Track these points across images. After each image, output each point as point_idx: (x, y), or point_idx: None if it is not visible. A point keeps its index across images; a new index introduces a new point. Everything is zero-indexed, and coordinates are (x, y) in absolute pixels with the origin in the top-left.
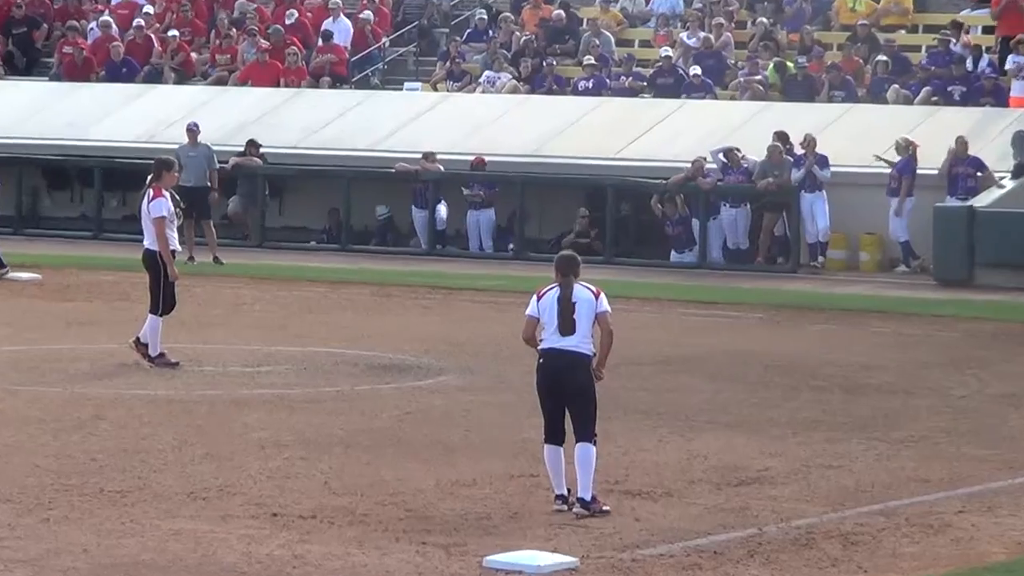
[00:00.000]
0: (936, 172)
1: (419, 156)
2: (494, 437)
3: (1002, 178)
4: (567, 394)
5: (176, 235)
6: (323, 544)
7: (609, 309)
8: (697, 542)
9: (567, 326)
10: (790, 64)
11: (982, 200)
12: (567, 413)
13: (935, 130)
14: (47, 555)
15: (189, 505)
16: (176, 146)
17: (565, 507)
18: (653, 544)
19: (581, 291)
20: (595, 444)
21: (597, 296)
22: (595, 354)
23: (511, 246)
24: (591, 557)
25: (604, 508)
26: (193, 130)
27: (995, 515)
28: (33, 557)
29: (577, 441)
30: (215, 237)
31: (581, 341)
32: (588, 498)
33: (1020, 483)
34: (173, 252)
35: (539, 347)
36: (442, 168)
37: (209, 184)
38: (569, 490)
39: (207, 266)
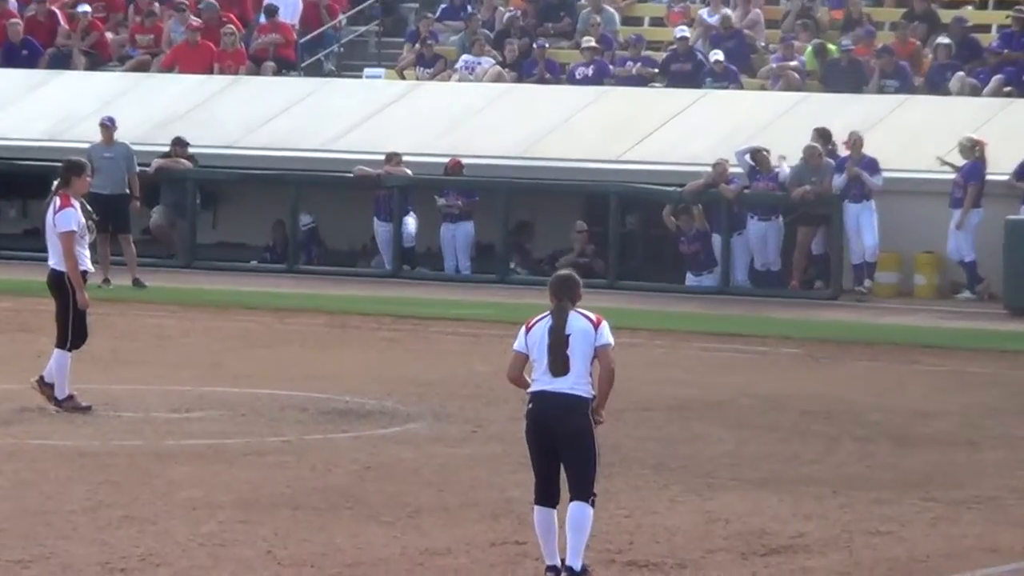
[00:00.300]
0: (1007, 178)
1: (382, 158)
2: (472, 497)
3: None
4: (561, 445)
5: (88, 253)
6: None
7: (611, 342)
8: None
9: (559, 365)
10: (832, 47)
11: None
12: (562, 468)
13: (1009, 127)
14: None
15: None
16: (88, 145)
17: None
18: None
19: (577, 320)
20: (593, 505)
21: (597, 326)
22: (594, 396)
23: (513, 264)
24: None
25: None
26: (108, 126)
27: None
28: None
29: (571, 500)
30: (135, 255)
31: (577, 382)
32: (578, 568)
33: None
34: (84, 273)
35: (528, 390)
36: (410, 172)
37: (128, 191)
38: (562, 560)
39: (126, 290)
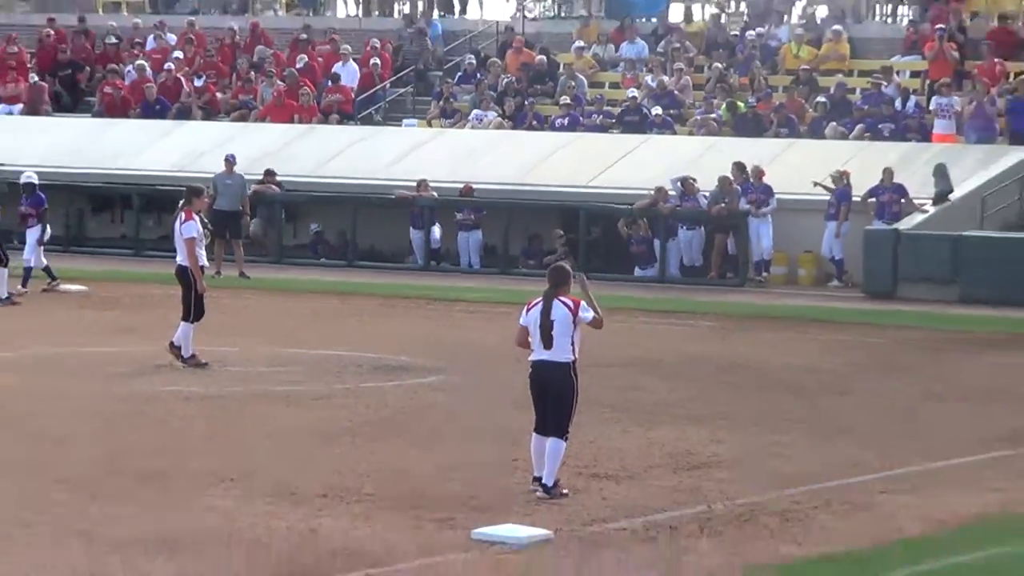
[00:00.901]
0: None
1: (416, 184)
2: (481, 427)
3: (923, 204)
4: (549, 396)
5: (204, 252)
6: (333, 519)
7: (588, 316)
8: (654, 518)
9: (547, 342)
10: (741, 104)
11: (906, 223)
12: (551, 411)
13: (866, 163)
14: (96, 528)
15: (218, 486)
16: (209, 175)
17: (539, 489)
18: (616, 519)
19: (559, 309)
20: (565, 440)
21: (575, 312)
22: (575, 360)
23: (531, 260)
24: (563, 530)
25: (563, 492)
26: (230, 161)
27: (915, 496)
28: (85, 529)
29: (549, 435)
30: (243, 255)
31: (558, 352)
32: (550, 484)
33: (937, 467)
34: (202, 268)
35: (529, 358)
36: (436, 195)
37: (241, 208)
38: (538, 478)
39: (233, 280)
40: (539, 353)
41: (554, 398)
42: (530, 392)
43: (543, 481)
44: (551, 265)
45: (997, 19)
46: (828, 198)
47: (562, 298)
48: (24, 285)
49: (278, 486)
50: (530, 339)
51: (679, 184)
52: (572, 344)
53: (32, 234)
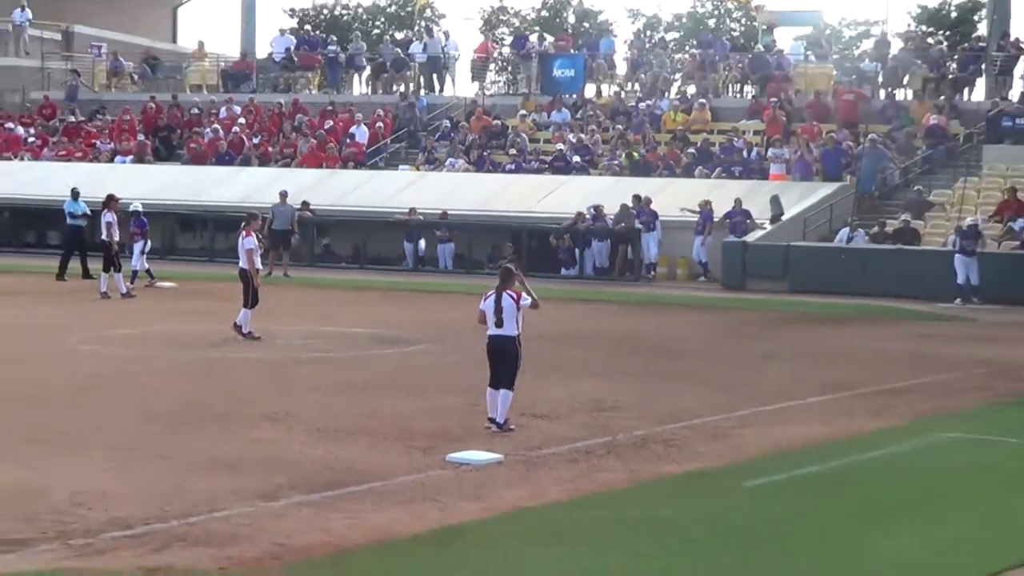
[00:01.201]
0: (718, 220)
1: (408, 210)
2: (452, 381)
3: (763, 223)
4: (499, 360)
5: (259, 259)
6: (349, 449)
7: (528, 302)
8: (575, 445)
9: (499, 322)
10: (635, 154)
11: (751, 237)
12: (501, 371)
13: (722, 195)
14: (179, 453)
15: (265, 423)
16: (263, 205)
17: (493, 426)
18: (549, 447)
19: (506, 299)
20: (512, 390)
21: (517, 300)
22: (519, 334)
23: (491, 264)
24: (511, 455)
25: (512, 428)
26: (283, 195)
27: (760, 428)
28: (171, 455)
29: (500, 388)
30: (288, 261)
31: (507, 329)
32: (502, 422)
33: (775, 408)
34: (257, 270)
35: (486, 333)
36: (422, 218)
37: (291, 228)
38: (493, 419)
39: (281, 279)
40: (493, 330)
41: (504, 361)
42: (487, 357)
43: (497, 420)
44: (501, 267)
45: (814, 94)
46: (696, 219)
47: (508, 291)
48: (132, 282)
49: (310, 424)
50: (486, 319)
51: (592, 210)
52: (516, 323)
53: (137, 247)
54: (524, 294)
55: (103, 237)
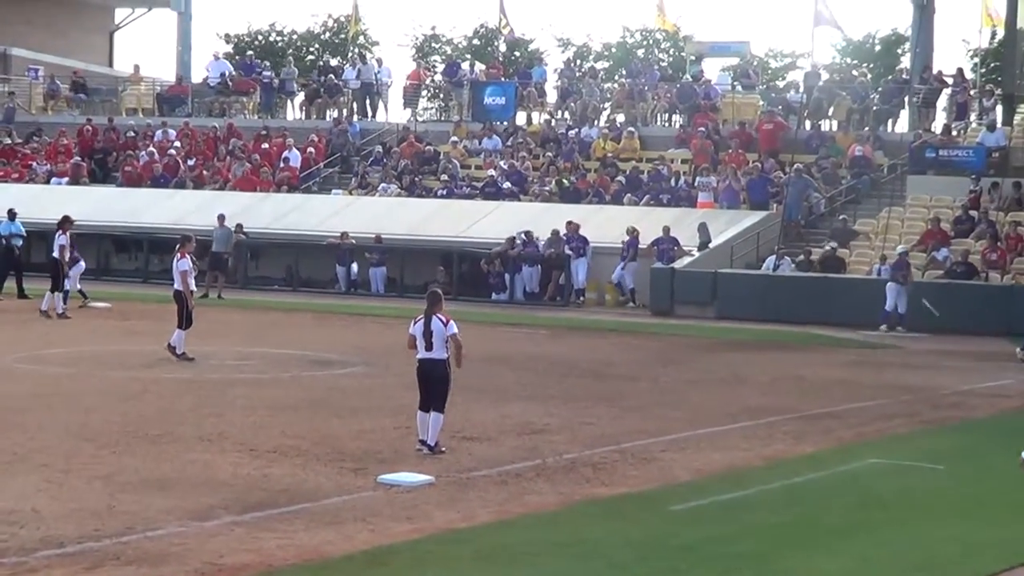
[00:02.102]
0: (646, 246)
1: (340, 234)
2: (383, 404)
3: (691, 250)
4: (430, 383)
5: (193, 280)
6: (280, 468)
7: (456, 331)
8: (505, 468)
9: (428, 345)
10: (565, 181)
11: (680, 263)
12: (431, 395)
13: (650, 222)
14: (114, 473)
15: (199, 444)
16: (196, 228)
17: (424, 448)
18: (479, 469)
19: (435, 323)
20: (443, 413)
21: (446, 324)
22: (449, 357)
23: (426, 285)
24: (442, 476)
25: (442, 450)
26: (222, 217)
27: (684, 453)
28: (106, 475)
29: (431, 411)
30: (223, 283)
31: (437, 352)
32: (433, 444)
33: (700, 433)
34: (191, 291)
35: (416, 356)
36: (354, 242)
37: (228, 251)
38: (424, 441)
39: (216, 300)
40: (423, 353)
41: (434, 384)
42: (417, 380)
43: (428, 442)
44: (429, 291)
45: (738, 124)
46: (620, 246)
47: (438, 315)
48: (65, 303)
49: (242, 444)
50: (416, 344)
51: (523, 235)
52: (445, 346)
53: (77, 268)
54: (452, 322)
55: (55, 255)
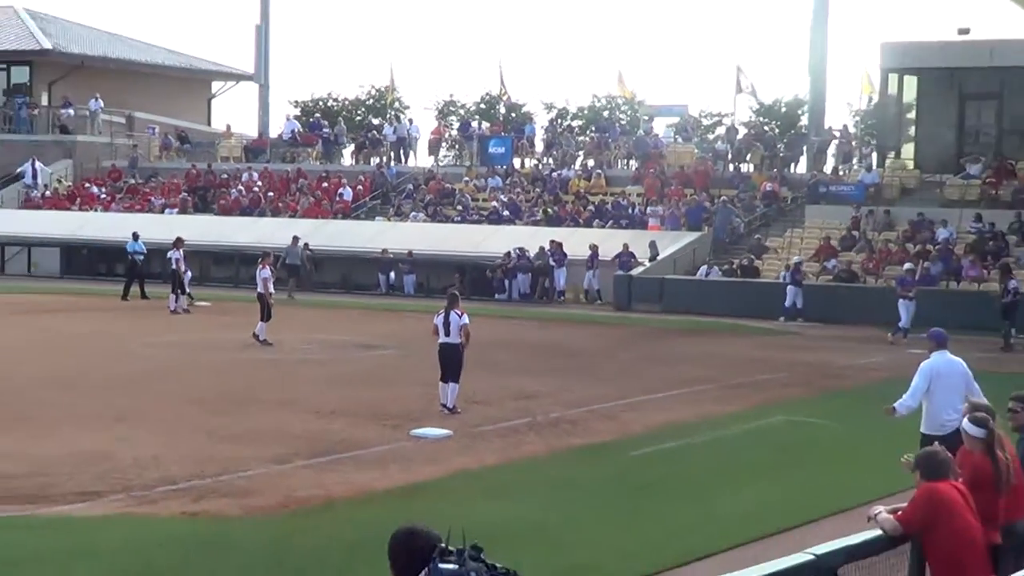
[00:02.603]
0: (611, 259)
1: (381, 250)
2: (413, 376)
3: (643, 262)
4: (448, 361)
5: (272, 285)
6: (338, 425)
7: (467, 322)
8: (505, 424)
9: (447, 332)
10: (549, 210)
11: (635, 272)
12: (449, 369)
13: (614, 240)
14: (214, 429)
15: (280, 408)
16: (273, 246)
17: (444, 410)
18: (486, 425)
19: (453, 316)
20: (458, 383)
21: (461, 316)
22: (462, 342)
23: (450, 290)
24: (458, 430)
25: (458, 411)
26: (295, 238)
27: (638, 412)
28: (208, 430)
29: (449, 382)
30: (293, 286)
31: (453, 338)
32: (451, 406)
33: (650, 398)
34: (270, 293)
35: (438, 341)
36: (392, 256)
37: (301, 263)
38: (444, 404)
39: (289, 300)
40: (443, 338)
41: (451, 362)
42: (439, 359)
43: (447, 405)
44: (448, 292)
45: (680, 167)
46: (586, 258)
47: (455, 310)
48: (182, 302)
49: (309, 407)
50: (438, 331)
51: (518, 251)
52: (460, 334)
53: (186, 276)
54: (465, 315)
55: (173, 267)
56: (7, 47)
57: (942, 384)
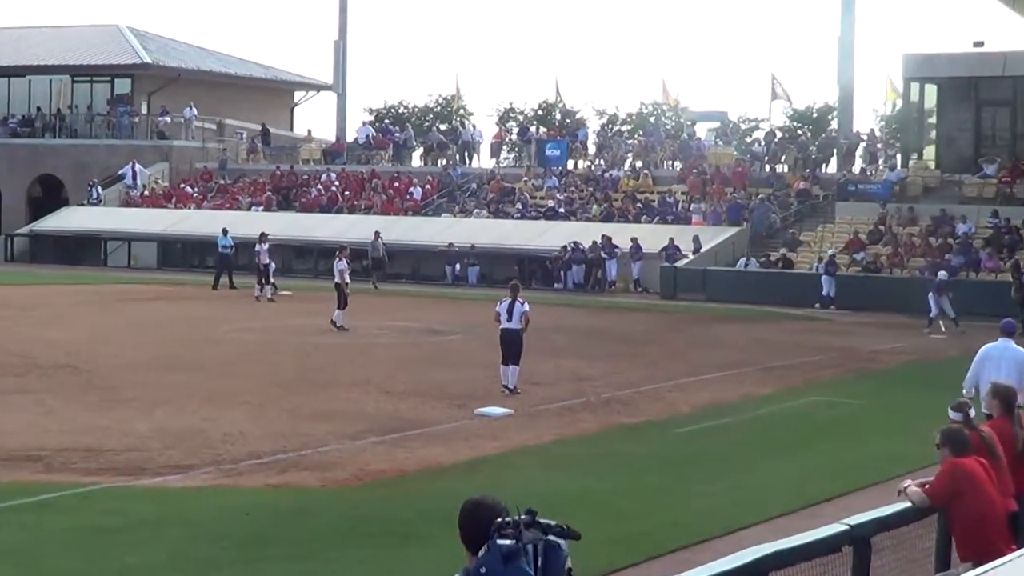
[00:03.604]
0: (657, 252)
1: (447, 244)
2: (476, 359)
3: (687, 254)
4: (510, 345)
5: (348, 275)
6: (407, 404)
7: (527, 310)
8: (562, 403)
9: (510, 318)
10: (601, 207)
11: (680, 263)
12: (510, 353)
13: (660, 235)
14: (295, 407)
15: (353, 387)
16: (349, 240)
17: (505, 390)
18: (543, 404)
19: (516, 304)
20: (519, 365)
21: (522, 304)
22: (522, 327)
23: (512, 282)
24: (518, 409)
25: (519, 392)
26: (377, 234)
27: (684, 393)
28: (290, 408)
29: (511, 364)
30: (377, 277)
31: (515, 323)
32: (512, 387)
33: (696, 379)
34: (347, 283)
35: (499, 327)
36: (458, 249)
37: (383, 256)
38: (505, 386)
39: (372, 290)
40: (505, 324)
41: (512, 346)
42: (500, 343)
43: (509, 386)
44: (512, 283)
45: (718, 168)
46: (629, 250)
47: (518, 299)
48: (261, 291)
49: (382, 388)
50: (500, 318)
51: (572, 245)
52: (520, 320)
53: (270, 268)
54: (526, 303)
55: (264, 262)
56: (112, 61)
57: (990, 367)
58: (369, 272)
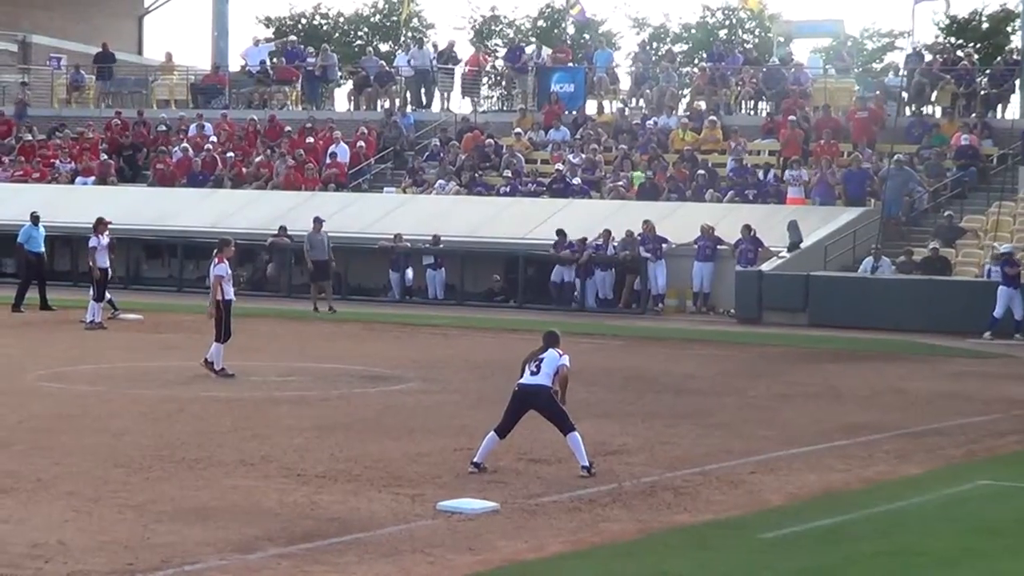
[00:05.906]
0: (730, 247)
1: (393, 236)
2: (442, 423)
3: (780, 252)
4: (534, 408)
5: (231, 288)
6: (330, 495)
7: (567, 363)
8: (578, 492)
9: (536, 369)
10: (640, 174)
11: (768, 266)
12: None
13: (733, 220)
14: (147, 503)
15: (241, 469)
16: (235, 231)
17: (476, 471)
18: (548, 494)
19: (550, 353)
20: (575, 430)
21: (561, 356)
22: (555, 388)
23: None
24: (508, 502)
25: (593, 472)
26: (318, 220)
27: (775, 475)
28: (138, 503)
29: (565, 434)
30: (331, 293)
31: (542, 378)
32: (588, 464)
33: (791, 453)
34: (229, 303)
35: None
36: (409, 244)
37: (328, 258)
38: (478, 464)
39: (327, 315)
40: (526, 378)
41: (541, 409)
42: (510, 403)
43: (581, 463)
44: (547, 332)
45: (831, 111)
46: (695, 244)
47: (557, 350)
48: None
49: (288, 469)
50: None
51: (601, 236)
52: (553, 375)
53: (107, 275)
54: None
55: (90, 264)
56: None
57: None
58: (308, 285)
